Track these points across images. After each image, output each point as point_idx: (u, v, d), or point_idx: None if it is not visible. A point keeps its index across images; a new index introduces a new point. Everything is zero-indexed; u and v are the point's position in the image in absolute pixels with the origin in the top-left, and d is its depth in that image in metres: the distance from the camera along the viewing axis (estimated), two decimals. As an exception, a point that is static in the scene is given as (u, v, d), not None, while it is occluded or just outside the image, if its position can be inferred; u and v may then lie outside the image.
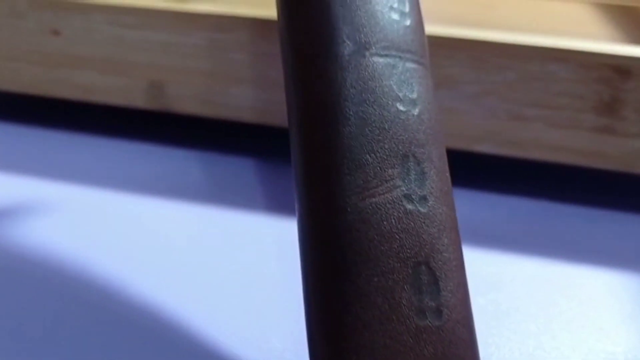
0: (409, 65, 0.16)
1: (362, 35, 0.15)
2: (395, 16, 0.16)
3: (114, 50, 0.27)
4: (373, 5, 0.16)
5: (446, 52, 0.24)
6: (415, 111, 0.15)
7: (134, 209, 0.24)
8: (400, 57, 0.15)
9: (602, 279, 0.21)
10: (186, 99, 0.27)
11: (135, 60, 0.27)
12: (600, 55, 0.23)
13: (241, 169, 0.27)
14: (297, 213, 0.15)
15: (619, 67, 0.23)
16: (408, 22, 0.16)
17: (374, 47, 0.15)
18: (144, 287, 0.20)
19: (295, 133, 0.15)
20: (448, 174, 0.16)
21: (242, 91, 0.26)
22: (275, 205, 0.25)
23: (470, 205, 0.25)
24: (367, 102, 0.15)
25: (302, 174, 0.15)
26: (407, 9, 0.16)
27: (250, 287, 0.21)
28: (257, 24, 0.25)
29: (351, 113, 0.15)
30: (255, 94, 0.26)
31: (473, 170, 0.28)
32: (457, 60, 0.24)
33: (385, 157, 0.15)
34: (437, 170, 0.15)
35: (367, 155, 0.15)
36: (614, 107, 0.23)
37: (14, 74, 0.29)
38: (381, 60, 0.15)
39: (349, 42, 0.15)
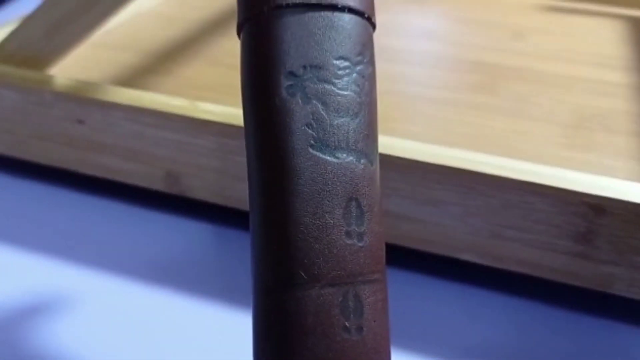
0: (359, 287, 0.16)
1: (316, 268, 0.16)
2: (349, 241, 0.16)
3: (133, 142, 0.30)
4: (329, 234, 0.16)
5: (436, 177, 0.26)
6: (360, 336, 0.16)
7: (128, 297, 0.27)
8: (351, 283, 0.16)
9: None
10: (200, 189, 0.30)
11: (153, 152, 0.30)
12: (577, 194, 0.24)
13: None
14: None
15: (595, 205, 0.24)
16: (362, 243, 0.16)
17: (325, 279, 0.16)
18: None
19: None
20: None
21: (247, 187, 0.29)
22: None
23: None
24: (316, 334, 0.16)
25: None
26: (363, 226, 0.17)
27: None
28: (261, 134, 0.27)
29: (298, 346, 0.16)
30: (261, 191, 0.29)
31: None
32: (446, 185, 0.26)
33: None
34: None
35: None
36: (588, 237, 0.25)
37: (44, 151, 0.32)
38: (331, 290, 0.16)
39: (304, 276, 0.16)
